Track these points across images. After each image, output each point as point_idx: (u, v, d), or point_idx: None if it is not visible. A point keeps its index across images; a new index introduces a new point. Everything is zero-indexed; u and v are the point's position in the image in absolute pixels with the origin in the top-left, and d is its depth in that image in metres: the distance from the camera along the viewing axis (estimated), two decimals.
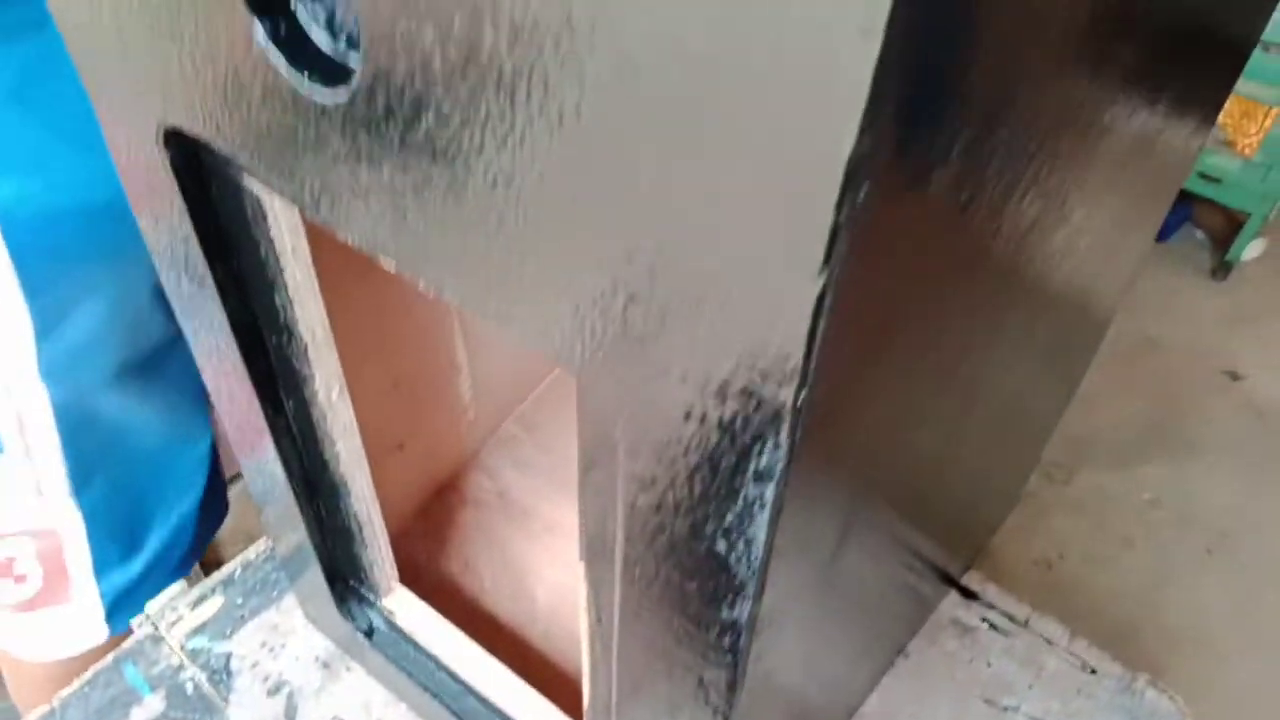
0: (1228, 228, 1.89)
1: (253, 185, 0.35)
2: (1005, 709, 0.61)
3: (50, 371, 0.61)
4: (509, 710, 0.54)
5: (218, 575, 0.66)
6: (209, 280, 0.38)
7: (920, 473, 0.43)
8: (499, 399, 0.76)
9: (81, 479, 0.66)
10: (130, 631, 0.64)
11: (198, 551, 0.77)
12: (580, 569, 0.35)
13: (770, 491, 0.24)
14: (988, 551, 0.72)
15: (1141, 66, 0.32)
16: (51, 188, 0.56)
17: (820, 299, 0.19)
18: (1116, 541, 1.44)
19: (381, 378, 0.60)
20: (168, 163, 0.34)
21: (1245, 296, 1.84)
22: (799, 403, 0.22)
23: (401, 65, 0.23)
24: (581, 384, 0.27)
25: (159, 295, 0.63)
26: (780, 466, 0.23)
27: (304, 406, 0.45)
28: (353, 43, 0.26)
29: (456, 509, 0.71)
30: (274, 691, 0.60)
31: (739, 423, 0.23)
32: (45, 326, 0.59)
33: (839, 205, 0.18)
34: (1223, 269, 1.87)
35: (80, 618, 0.71)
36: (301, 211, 0.33)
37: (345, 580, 0.57)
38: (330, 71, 0.26)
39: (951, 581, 0.66)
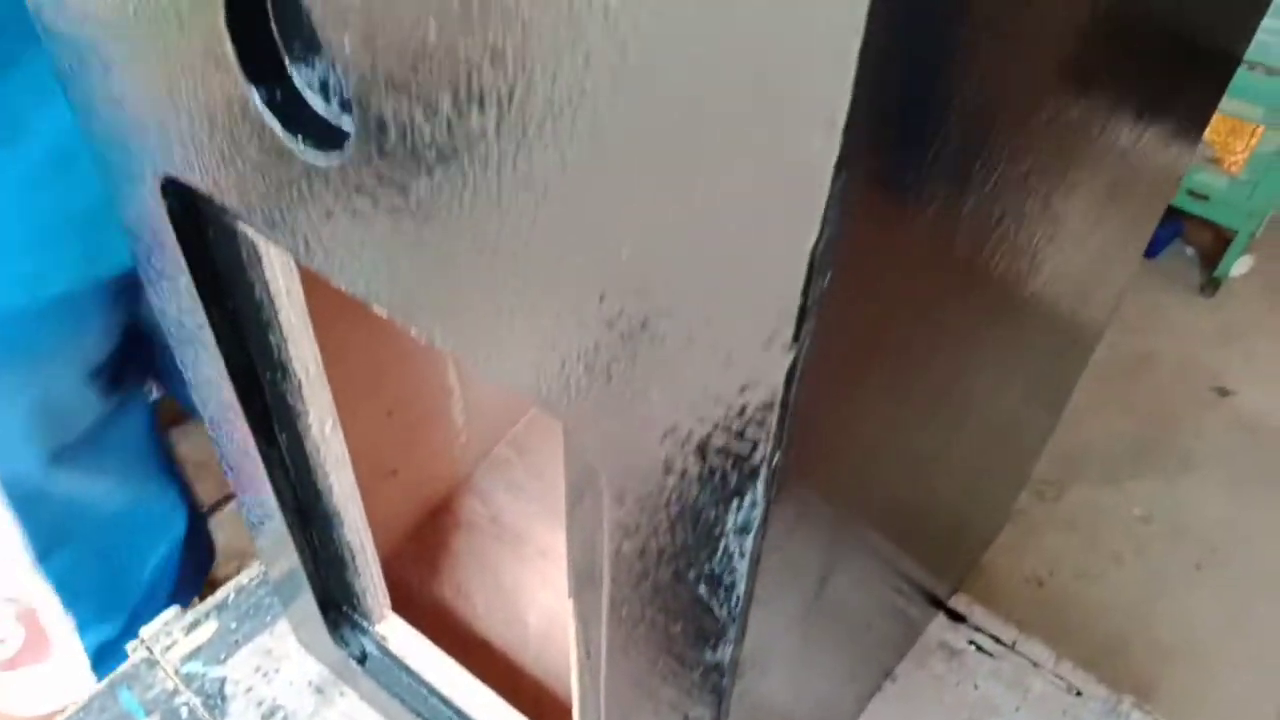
0: (1216, 244, 1.90)
1: (248, 231, 0.36)
2: None
3: None
4: None
5: (212, 600, 0.66)
6: (205, 321, 0.39)
7: (906, 505, 0.43)
8: (491, 422, 0.76)
9: (43, 550, 0.67)
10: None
11: (188, 594, 0.78)
12: (569, 605, 0.36)
13: (749, 543, 0.25)
14: (978, 570, 0.73)
15: (1127, 86, 0.33)
16: None
17: (791, 370, 0.20)
18: (1107, 557, 1.45)
19: (375, 408, 0.60)
20: (165, 211, 0.35)
21: (1234, 312, 1.86)
22: (774, 464, 0.22)
23: (393, 134, 0.24)
24: (567, 430, 0.28)
25: (89, 381, 0.63)
26: (758, 521, 0.24)
27: (298, 440, 0.46)
28: (346, 106, 0.27)
29: (449, 532, 0.72)
30: (268, 716, 0.61)
31: (718, 478, 0.24)
32: None
33: (805, 290, 0.19)
34: (1211, 285, 1.88)
35: (64, 674, 0.71)
36: (295, 259, 0.34)
37: (338, 607, 0.57)
38: (324, 135, 0.27)
39: (939, 604, 0.67)
